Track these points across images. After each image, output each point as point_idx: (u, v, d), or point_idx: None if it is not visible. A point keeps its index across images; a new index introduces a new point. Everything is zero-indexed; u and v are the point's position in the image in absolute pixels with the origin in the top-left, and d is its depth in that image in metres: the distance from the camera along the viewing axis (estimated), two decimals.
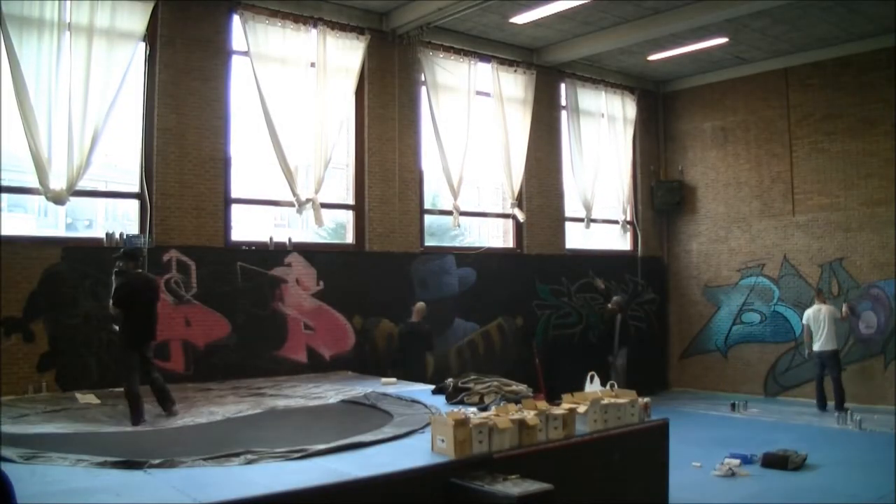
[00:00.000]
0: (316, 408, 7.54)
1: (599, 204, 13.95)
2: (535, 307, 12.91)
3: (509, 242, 12.98)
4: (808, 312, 11.92)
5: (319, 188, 10.19)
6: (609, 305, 12.89)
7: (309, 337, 10.14)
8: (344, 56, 10.55)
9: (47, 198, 8.27)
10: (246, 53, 9.76)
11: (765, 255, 13.74)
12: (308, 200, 10.10)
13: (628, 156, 14.47)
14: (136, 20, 8.87)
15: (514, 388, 7.39)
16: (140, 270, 7.63)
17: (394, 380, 9.09)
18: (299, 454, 5.06)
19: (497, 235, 13.13)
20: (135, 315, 7.10)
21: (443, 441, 5.01)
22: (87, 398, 7.84)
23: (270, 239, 10.02)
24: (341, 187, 11.16)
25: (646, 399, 6.44)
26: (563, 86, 13.60)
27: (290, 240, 10.18)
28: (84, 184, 8.62)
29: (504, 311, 12.45)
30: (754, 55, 13.24)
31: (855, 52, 12.41)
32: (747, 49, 12.91)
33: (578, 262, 13.67)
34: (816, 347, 11.68)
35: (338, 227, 11.26)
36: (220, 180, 9.64)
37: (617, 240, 14.64)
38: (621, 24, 11.60)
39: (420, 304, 10.71)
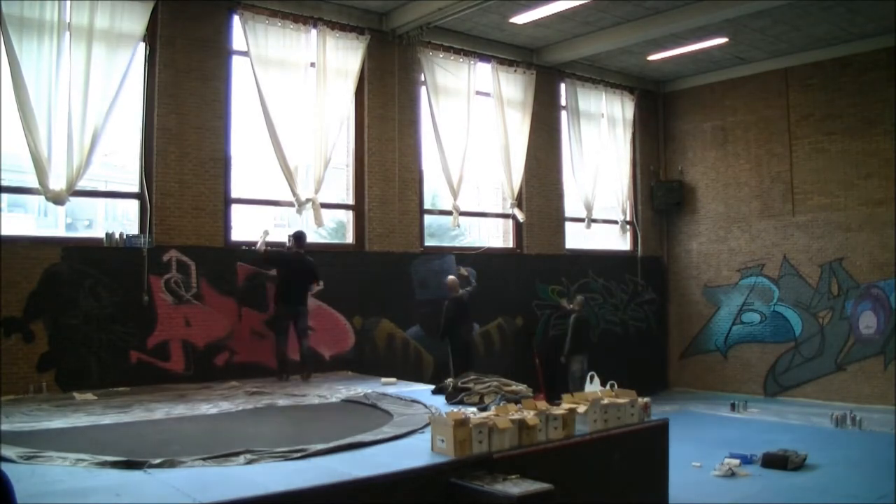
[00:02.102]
0: (316, 407, 7.54)
1: (599, 204, 13.95)
2: (535, 307, 12.91)
3: (509, 242, 12.98)
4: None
5: (319, 188, 10.20)
6: (569, 306, 12.57)
7: (309, 337, 10.13)
8: (344, 56, 10.55)
9: (47, 198, 8.27)
10: (246, 53, 9.76)
11: (765, 255, 13.74)
12: (308, 200, 10.10)
13: (628, 156, 14.47)
14: (136, 20, 8.87)
15: (514, 388, 7.39)
16: (300, 251, 9.48)
17: (394, 380, 9.09)
18: (299, 454, 5.05)
19: (497, 235, 13.13)
20: (284, 285, 9.25)
21: (443, 441, 5.01)
22: (85, 397, 7.85)
23: (266, 235, 9.99)
24: (341, 187, 11.16)
25: (646, 399, 6.44)
26: (562, 86, 13.61)
27: (290, 239, 10.18)
28: (84, 184, 8.63)
29: (504, 311, 12.45)
30: (754, 55, 13.24)
31: (855, 52, 12.42)
32: (747, 49, 12.91)
33: (578, 262, 13.67)
34: None
35: (338, 227, 11.26)
36: (220, 180, 9.64)
37: (617, 240, 14.65)
38: (621, 24, 11.61)
39: (451, 277, 11.12)
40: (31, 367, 8.13)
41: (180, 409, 7.20)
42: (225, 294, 9.48)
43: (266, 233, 9.53)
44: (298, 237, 9.56)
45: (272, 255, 9.45)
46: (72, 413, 6.96)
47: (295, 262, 9.40)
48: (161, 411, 7.10)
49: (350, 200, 11.05)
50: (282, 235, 10.16)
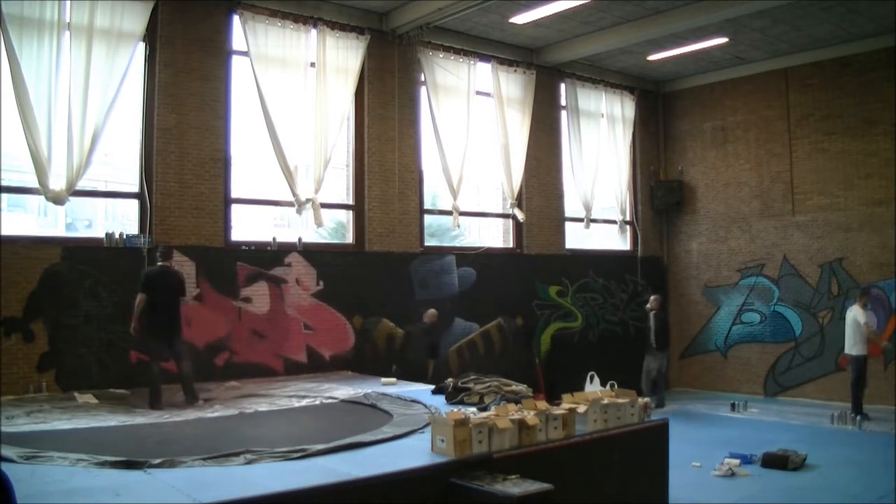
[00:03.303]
0: (316, 408, 7.54)
1: (599, 204, 13.95)
2: (535, 307, 12.91)
3: (509, 242, 12.98)
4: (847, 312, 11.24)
5: (319, 188, 10.20)
6: (647, 305, 12.97)
7: (309, 337, 10.14)
8: (344, 56, 10.55)
9: (47, 198, 8.27)
10: (246, 53, 9.76)
11: (765, 255, 13.74)
12: (308, 200, 10.10)
13: (628, 156, 14.47)
14: (136, 20, 8.87)
15: (514, 388, 7.39)
16: (166, 265, 8.18)
17: (394, 380, 9.09)
18: (299, 454, 5.06)
19: (497, 235, 13.12)
20: (151, 305, 7.82)
21: (443, 441, 5.01)
22: (86, 398, 7.85)
23: (274, 239, 10.03)
24: (341, 187, 11.15)
25: (646, 399, 6.44)
26: (562, 86, 13.61)
27: (300, 240, 10.21)
28: (84, 184, 8.63)
29: (504, 311, 12.45)
30: (754, 55, 13.24)
31: (855, 52, 12.42)
32: (747, 49, 12.91)
33: (578, 262, 13.67)
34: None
35: (338, 227, 11.26)
36: (220, 180, 9.64)
37: (617, 240, 14.65)
38: (621, 24, 11.60)
39: (432, 310, 10.71)
40: (31, 367, 8.13)
41: (180, 410, 7.19)
42: (225, 294, 9.48)
43: None
44: (164, 252, 8.25)
45: (142, 277, 8.07)
46: (72, 413, 6.96)
47: (161, 279, 8.00)
48: (161, 411, 7.09)
49: (350, 200, 11.05)
50: (282, 236, 10.20)
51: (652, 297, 12.95)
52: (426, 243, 11.75)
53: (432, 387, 8.36)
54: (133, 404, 7.61)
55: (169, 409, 7.33)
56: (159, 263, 8.15)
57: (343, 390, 8.32)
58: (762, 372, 13.67)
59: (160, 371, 7.82)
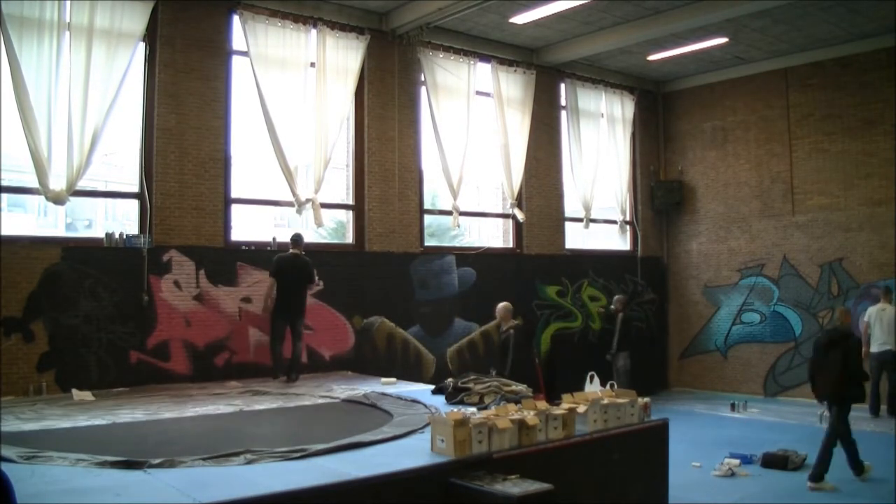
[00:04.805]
0: (316, 407, 7.54)
1: (599, 204, 13.95)
2: (535, 307, 12.91)
3: (509, 242, 12.98)
4: (871, 311, 11.17)
5: (319, 188, 10.20)
6: (612, 306, 12.85)
7: (309, 337, 10.12)
8: (344, 56, 10.55)
9: (47, 198, 8.27)
10: (246, 53, 9.76)
11: (764, 255, 13.75)
12: (308, 200, 10.10)
13: (628, 156, 14.47)
14: (136, 20, 8.87)
15: (514, 388, 7.39)
16: (297, 253, 9.22)
17: (393, 380, 9.10)
18: (299, 454, 5.05)
19: (497, 235, 13.13)
20: (283, 289, 8.99)
21: (442, 441, 5.00)
22: (83, 395, 7.87)
23: (274, 239, 10.03)
24: (341, 187, 11.16)
25: (646, 399, 6.44)
26: (562, 86, 13.61)
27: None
28: (84, 184, 8.63)
29: None
30: (754, 55, 13.24)
31: (855, 52, 12.42)
32: (747, 49, 12.91)
33: (578, 262, 13.67)
34: (875, 348, 10.93)
35: (338, 227, 11.26)
36: (220, 180, 9.64)
37: (617, 240, 14.65)
38: (621, 24, 11.61)
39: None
40: (31, 367, 8.13)
41: (180, 410, 7.20)
42: (225, 294, 9.48)
43: None
44: (296, 240, 9.36)
45: (273, 262, 9.21)
46: (71, 413, 6.96)
47: (291, 265, 9.16)
48: (161, 411, 7.10)
49: (350, 200, 11.05)
50: (282, 236, 10.19)
51: (616, 298, 12.71)
52: (426, 243, 11.75)
53: (432, 387, 8.36)
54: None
55: (281, 381, 8.91)
56: (291, 251, 9.21)
57: (343, 390, 8.32)
58: (762, 372, 13.67)
59: (280, 353, 9.09)
